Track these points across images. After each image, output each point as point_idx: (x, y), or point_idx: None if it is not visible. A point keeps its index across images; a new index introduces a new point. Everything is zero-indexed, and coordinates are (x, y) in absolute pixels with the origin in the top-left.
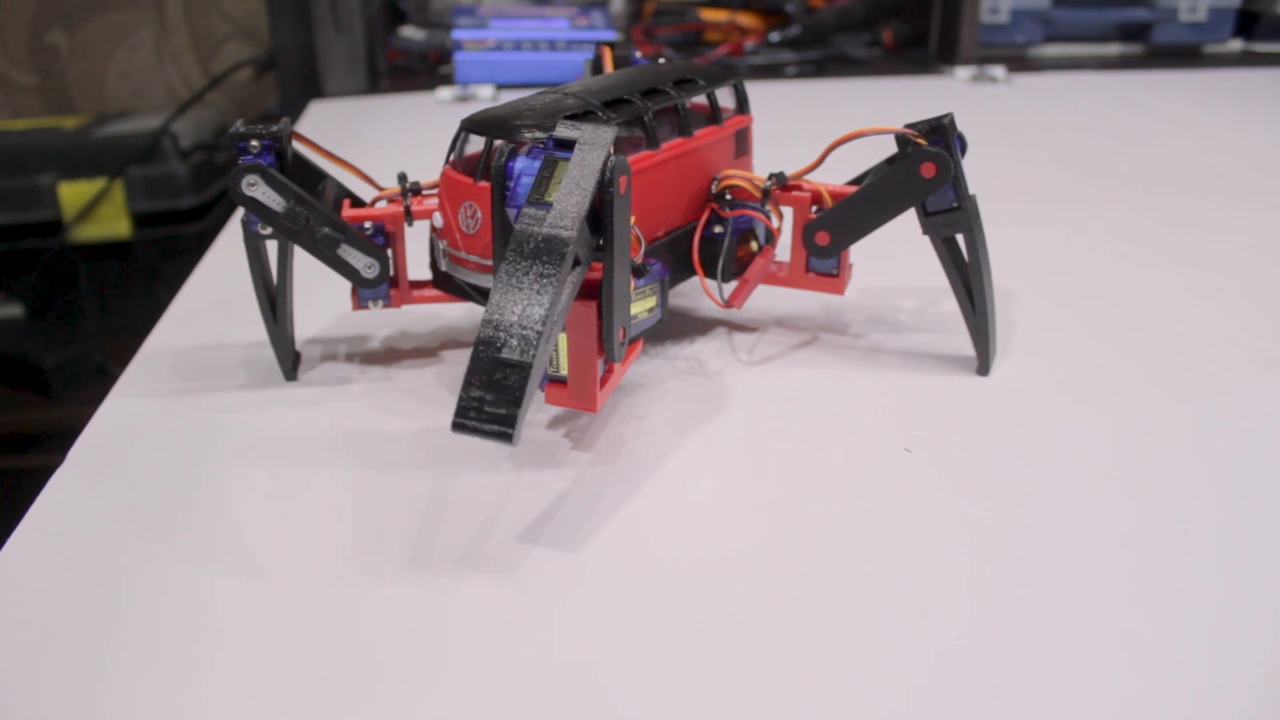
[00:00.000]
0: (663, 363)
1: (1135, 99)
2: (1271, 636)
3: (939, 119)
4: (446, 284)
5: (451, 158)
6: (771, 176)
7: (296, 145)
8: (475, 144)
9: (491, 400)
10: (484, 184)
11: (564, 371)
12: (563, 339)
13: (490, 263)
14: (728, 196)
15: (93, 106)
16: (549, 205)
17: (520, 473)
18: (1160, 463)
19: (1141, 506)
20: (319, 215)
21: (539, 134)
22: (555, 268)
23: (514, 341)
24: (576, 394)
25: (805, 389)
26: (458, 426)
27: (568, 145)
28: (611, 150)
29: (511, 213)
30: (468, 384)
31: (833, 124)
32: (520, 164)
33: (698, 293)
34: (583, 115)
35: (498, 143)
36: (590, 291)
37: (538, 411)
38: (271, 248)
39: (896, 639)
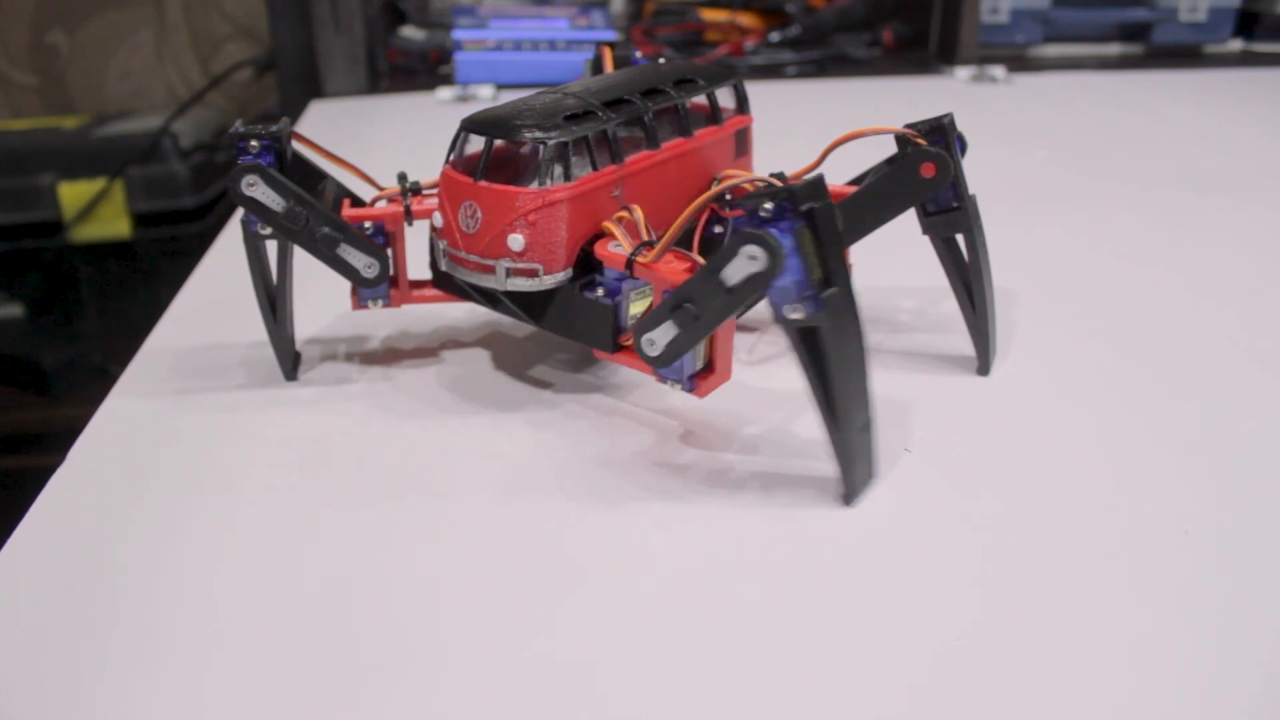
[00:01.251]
0: None
1: (1135, 99)
2: (1271, 636)
3: (939, 119)
4: (446, 284)
5: (451, 158)
6: (772, 176)
7: (296, 145)
8: (475, 144)
9: (868, 470)
10: (484, 184)
11: (702, 363)
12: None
13: (492, 263)
14: (728, 196)
15: (93, 106)
16: (830, 284)
17: (519, 473)
18: (1160, 463)
19: (1141, 506)
20: (319, 215)
21: (539, 134)
22: (862, 331)
23: (861, 411)
24: (720, 373)
25: (805, 389)
26: (852, 500)
27: (799, 214)
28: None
29: (783, 296)
30: (848, 470)
31: (833, 124)
32: (784, 238)
33: None
34: (583, 115)
35: (742, 220)
36: None
37: (536, 412)
38: (271, 248)
39: (896, 639)
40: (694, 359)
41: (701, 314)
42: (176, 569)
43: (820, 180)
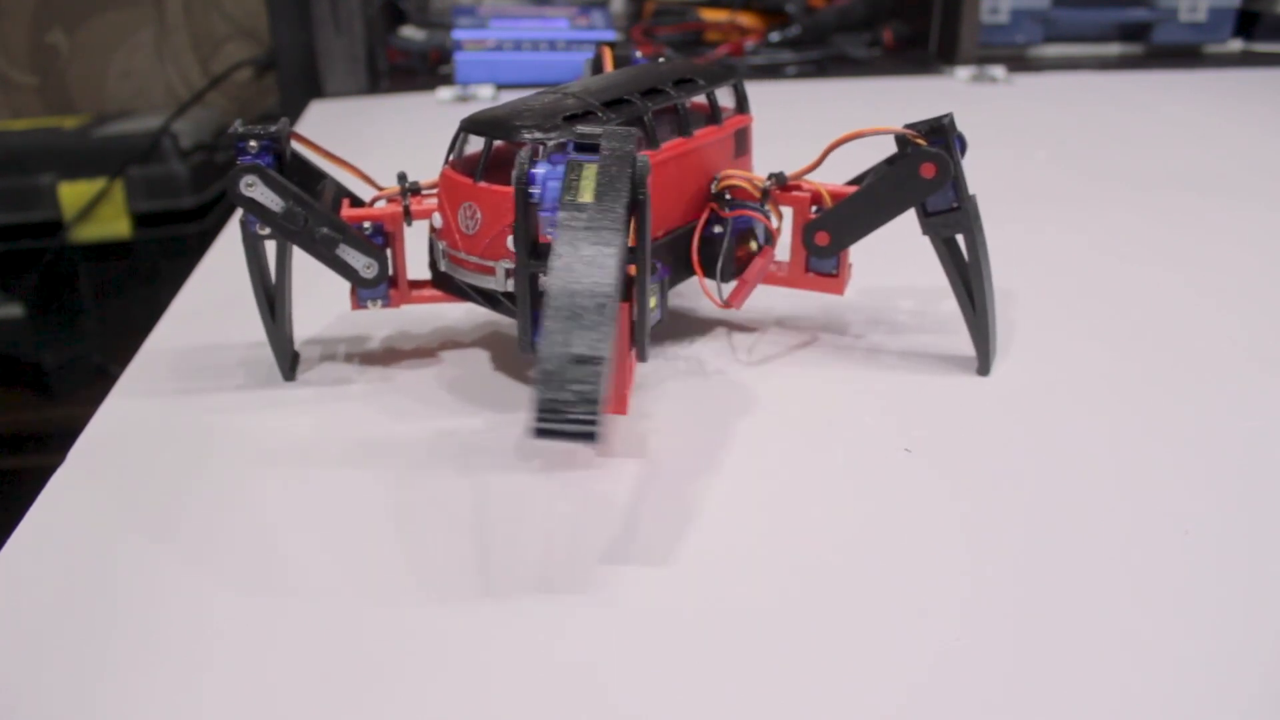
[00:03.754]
0: (663, 363)
1: (1135, 99)
2: (1271, 636)
3: (939, 119)
4: (446, 284)
5: (451, 158)
6: (771, 176)
7: (295, 145)
8: (475, 144)
9: (570, 401)
10: (483, 184)
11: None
12: None
13: (491, 264)
14: (727, 196)
15: (93, 106)
16: (587, 206)
17: (517, 473)
18: (1160, 463)
19: (1141, 506)
20: (318, 215)
21: (539, 135)
22: (610, 259)
23: (582, 335)
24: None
25: (805, 389)
26: (541, 432)
27: (590, 149)
28: (636, 152)
29: (545, 217)
30: (543, 386)
31: (833, 124)
32: (544, 169)
33: (697, 293)
34: (583, 115)
35: (523, 151)
36: None
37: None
38: (270, 248)
39: (896, 639)
40: None
41: (516, 264)
42: (176, 569)
43: (631, 135)
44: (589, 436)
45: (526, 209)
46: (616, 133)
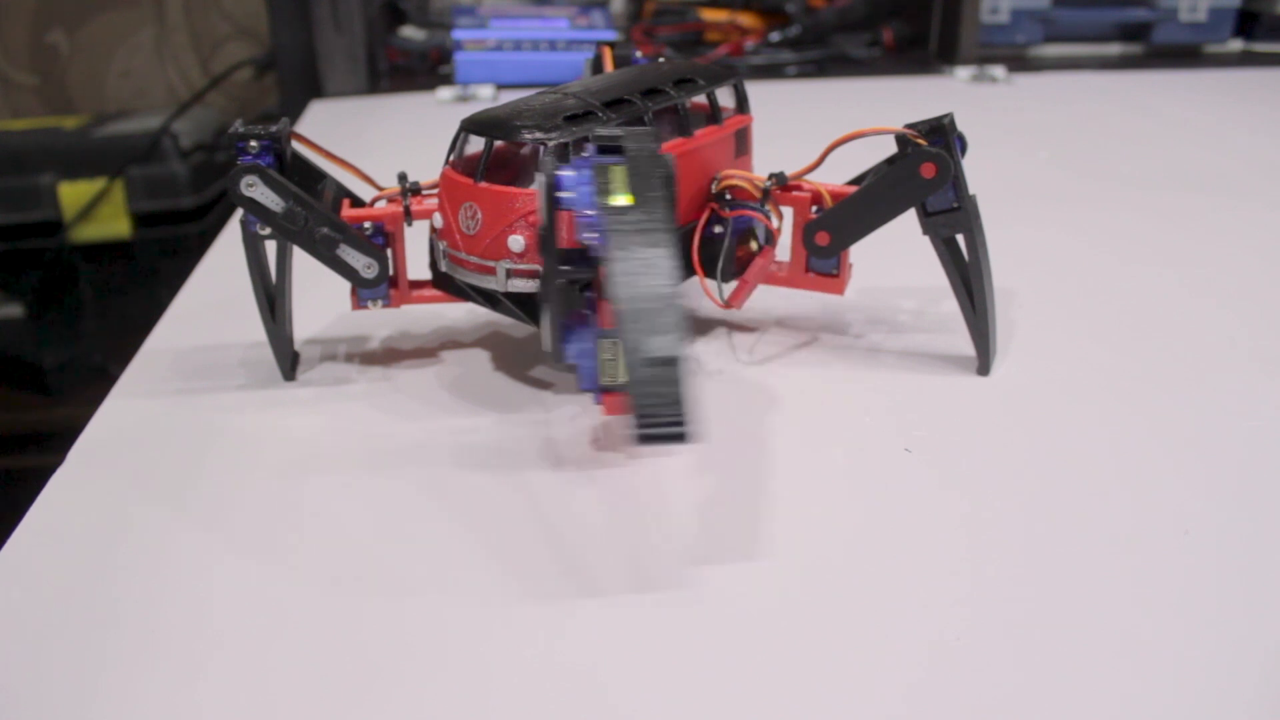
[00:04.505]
0: None
1: (1135, 99)
2: (1271, 636)
3: (939, 119)
4: (446, 284)
5: (451, 158)
6: (771, 176)
7: (296, 145)
8: (475, 144)
9: (660, 404)
10: (484, 185)
11: (624, 379)
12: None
13: (492, 264)
14: (727, 196)
15: (93, 106)
16: (631, 209)
17: (517, 473)
18: (1160, 463)
19: (1141, 506)
20: (318, 215)
21: (539, 135)
22: (667, 260)
23: (658, 340)
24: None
25: (805, 389)
26: (642, 439)
27: (613, 150)
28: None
29: (581, 223)
30: (635, 395)
31: (833, 124)
32: (573, 173)
33: (697, 293)
34: (583, 115)
35: (546, 157)
36: None
37: (536, 412)
38: (271, 248)
39: (895, 638)
40: (598, 370)
41: (544, 270)
42: (176, 569)
43: (651, 133)
44: (681, 437)
45: (555, 214)
46: (636, 133)
